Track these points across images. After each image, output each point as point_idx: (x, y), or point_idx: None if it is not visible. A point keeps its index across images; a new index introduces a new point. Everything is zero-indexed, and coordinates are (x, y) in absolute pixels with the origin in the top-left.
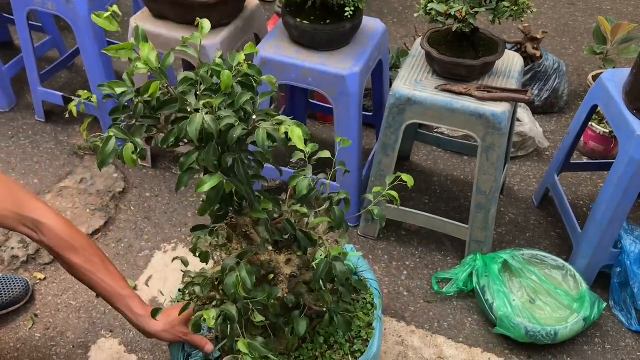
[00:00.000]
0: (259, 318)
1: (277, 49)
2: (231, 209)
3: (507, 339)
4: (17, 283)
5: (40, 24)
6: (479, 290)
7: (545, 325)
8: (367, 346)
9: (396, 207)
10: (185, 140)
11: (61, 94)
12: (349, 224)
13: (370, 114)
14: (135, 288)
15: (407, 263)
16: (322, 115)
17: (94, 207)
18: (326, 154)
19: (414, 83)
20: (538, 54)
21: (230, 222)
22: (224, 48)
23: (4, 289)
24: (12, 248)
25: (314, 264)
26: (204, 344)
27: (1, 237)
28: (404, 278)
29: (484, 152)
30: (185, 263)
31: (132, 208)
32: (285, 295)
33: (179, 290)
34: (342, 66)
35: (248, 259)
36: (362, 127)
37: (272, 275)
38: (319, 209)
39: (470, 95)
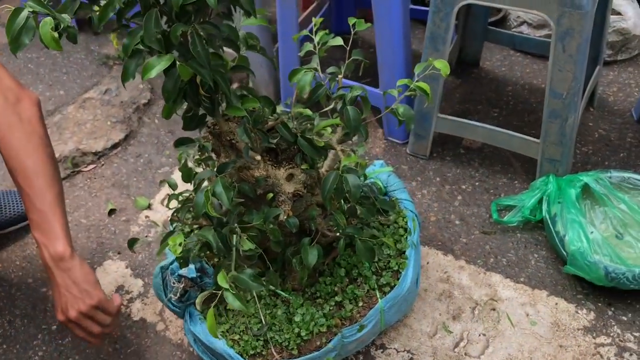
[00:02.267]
0: (247, 245)
1: None
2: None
3: (582, 281)
4: None
5: None
6: (549, 220)
7: (632, 266)
8: (398, 279)
9: (429, 103)
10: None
11: None
12: (396, 140)
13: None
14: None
15: (464, 187)
16: None
17: (115, 119)
18: (338, 41)
19: None
20: None
21: (213, 129)
22: None
23: (12, 204)
24: None
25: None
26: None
27: None
28: (457, 204)
29: (559, 40)
30: (173, 186)
31: (157, 121)
32: (287, 218)
33: (170, 221)
34: None
35: (238, 175)
36: (414, 23)
37: (271, 195)
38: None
39: None
